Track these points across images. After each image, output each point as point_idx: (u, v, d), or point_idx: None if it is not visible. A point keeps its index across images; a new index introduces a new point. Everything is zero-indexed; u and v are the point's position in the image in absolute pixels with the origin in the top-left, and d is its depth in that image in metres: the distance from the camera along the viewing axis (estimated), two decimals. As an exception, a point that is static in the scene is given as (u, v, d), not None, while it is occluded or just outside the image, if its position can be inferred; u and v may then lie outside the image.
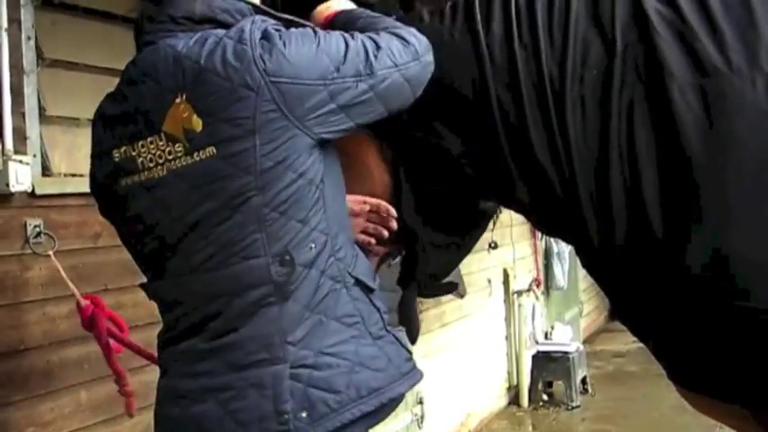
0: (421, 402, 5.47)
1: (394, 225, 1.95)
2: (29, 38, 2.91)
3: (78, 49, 3.14)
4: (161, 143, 1.65)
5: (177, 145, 1.63)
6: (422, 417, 5.48)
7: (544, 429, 6.69)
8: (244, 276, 1.62)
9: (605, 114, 1.74)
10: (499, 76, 1.83)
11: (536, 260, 7.99)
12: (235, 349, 1.63)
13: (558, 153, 1.78)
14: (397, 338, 1.78)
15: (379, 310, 1.76)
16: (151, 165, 1.67)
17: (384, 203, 1.95)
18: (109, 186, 1.75)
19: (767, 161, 1.63)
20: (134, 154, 1.68)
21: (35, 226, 2.87)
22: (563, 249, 8.00)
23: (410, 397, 5.36)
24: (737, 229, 1.64)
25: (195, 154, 1.61)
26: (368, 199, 1.94)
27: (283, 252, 1.61)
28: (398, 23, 1.83)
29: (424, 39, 1.79)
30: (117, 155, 1.72)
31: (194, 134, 1.61)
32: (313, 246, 1.64)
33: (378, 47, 1.70)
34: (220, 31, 1.66)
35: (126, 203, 1.73)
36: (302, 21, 1.80)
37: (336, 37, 1.70)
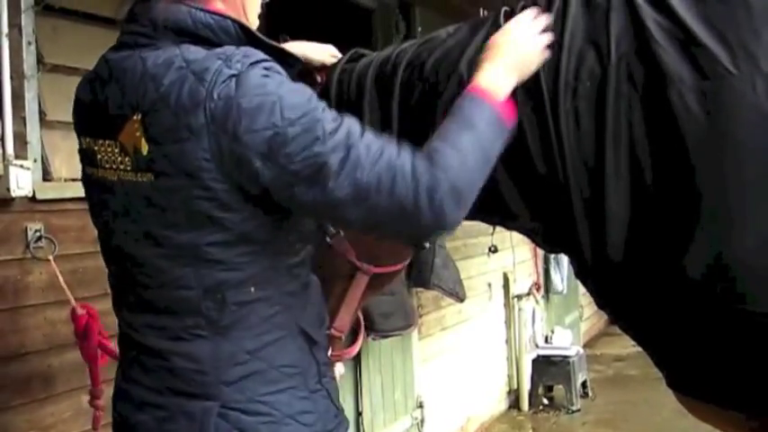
0: (421, 406, 5.47)
1: None
2: (29, 43, 2.92)
3: (79, 54, 3.14)
4: (116, 150, 1.65)
5: (127, 158, 1.63)
6: (422, 420, 5.47)
7: (544, 433, 6.69)
8: (176, 302, 1.65)
9: (600, 124, 1.74)
10: None
11: (536, 264, 7.99)
12: (173, 374, 1.66)
13: (555, 164, 1.78)
14: (329, 393, 1.77)
15: (318, 362, 1.74)
16: (106, 166, 1.68)
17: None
18: (81, 161, 1.79)
19: (767, 165, 1.63)
20: (95, 149, 1.70)
21: (36, 230, 2.87)
22: (561, 255, 7.97)
23: (410, 401, 5.36)
24: (738, 232, 1.64)
25: (139, 174, 1.62)
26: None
27: (215, 290, 1.62)
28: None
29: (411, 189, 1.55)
30: (83, 142, 1.75)
31: (140, 155, 1.60)
32: (253, 289, 1.63)
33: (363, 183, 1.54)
34: (192, 55, 1.59)
35: (88, 188, 1.78)
36: (294, 54, 1.75)
37: (326, 123, 1.56)
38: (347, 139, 1.55)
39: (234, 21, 1.67)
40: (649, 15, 1.73)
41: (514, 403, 7.25)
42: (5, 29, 2.79)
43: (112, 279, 1.81)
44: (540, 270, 8.06)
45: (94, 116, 1.70)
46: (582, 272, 1.92)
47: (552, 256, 8.01)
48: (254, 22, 1.78)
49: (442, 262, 4.85)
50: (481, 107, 1.65)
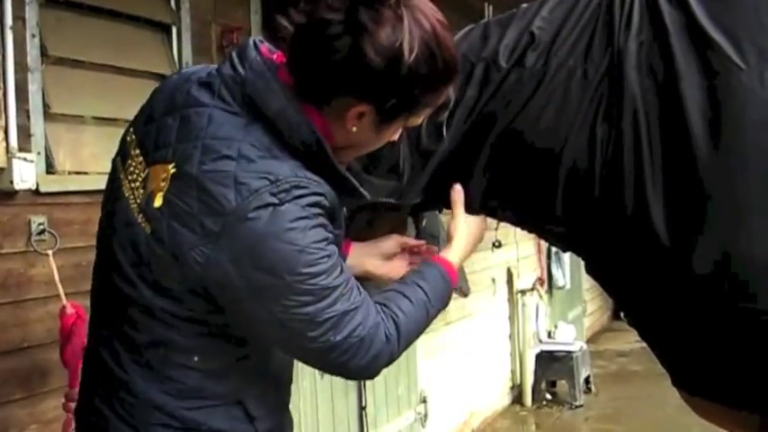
0: (424, 401, 5.47)
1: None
2: (33, 35, 2.91)
3: (83, 46, 3.14)
4: (142, 175, 1.59)
5: (142, 192, 1.57)
6: (425, 415, 5.47)
7: (547, 428, 6.69)
8: (128, 337, 1.62)
9: (618, 116, 1.73)
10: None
11: (539, 259, 7.99)
12: (114, 396, 1.63)
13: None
14: None
15: (257, 430, 1.67)
16: (129, 177, 1.62)
17: (412, 241, 1.97)
18: (119, 145, 1.71)
19: None
20: (132, 152, 1.63)
21: (39, 224, 2.87)
22: (561, 250, 7.96)
23: (413, 395, 5.36)
24: (745, 230, 1.64)
25: (140, 215, 1.56)
26: (400, 241, 1.95)
27: (159, 343, 1.59)
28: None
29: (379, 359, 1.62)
30: (129, 136, 1.67)
31: (151, 203, 1.54)
32: (197, 359, 1.59)
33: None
34: (247, 151, 1.48)
35: (112, 174, 1.70)
36: (362, 191, 1.63)
37: (332, 283, 1.52)
38: (338, 301, 1.53)
39: (318, 138, 1.53)
40: (665, 9, 1.73)
41: (517, 398, 7.26)
42: (9, 21, 2.79)
43: (94, 282, 1.77)
44: (544, 265, 8.06)
45: (149, 128, 1.62)
46: (593, 269, 1.92)
47: (554, 251, 8.00)
48: (345, 160, 1.66)
49: (445, 257, 4.83)
50: (441, 286, 1.77)
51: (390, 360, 1.65)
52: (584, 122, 1.77)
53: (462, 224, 1.89)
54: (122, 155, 1.68)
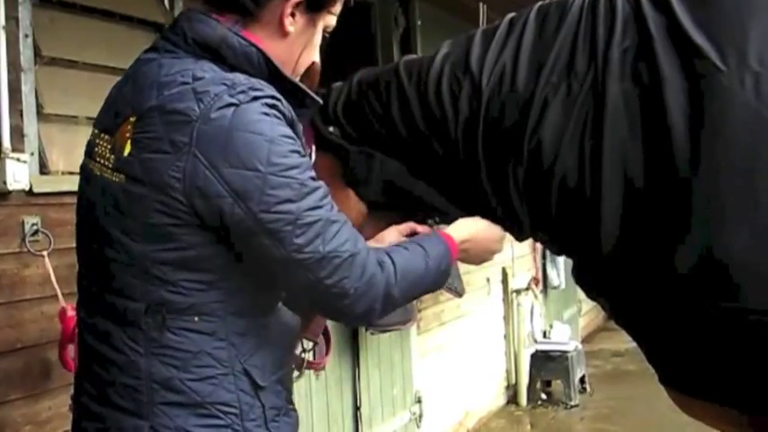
0: (419, 401, 5.47)
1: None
2: (26, 35, 2.91)
3: (76, 46, 3.13)
4: (108, 147, 1.65)
5: (113, 156, 1.63)
6: (420, 415, 5.47)
7: (542, 428, 6.69)
8: (121, 311, 1.62)
9: (597, 119, 1.76)
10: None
11: (534, 259, 7.99)
12: (113, 387, 1.63)
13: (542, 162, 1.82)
14: None
15: (263, 406, 1.67)
16: (96, 159, 1.69)
17: (414, 225, 2.02)
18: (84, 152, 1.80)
19: (756, 160, 1.63)
20: (96, 141, 1.71)
21: (32, 224, 2.86)
22: (559, 250, 7.98)
23: (408, 396, 5.35)
24: (728, 229, 1.65)
25: (114, 174, 1.62)
26: (401, 230, 1.99)
27: (157, 308, 1.59)
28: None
29: (369, 293, 1.65)
30: (92, 133, 1.75)
31: (121, 155, 1.60)
32: (197, 319, 1.60)
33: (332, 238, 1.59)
34: (201, 72, 1.59)
35: (81, 177, 1.77)
36: (312, 95, 1.74)
37: (306, 182, 1.58)
38: (321, 207, 1.59)
39: (259, 50, 1.66)
40: (649, 14, 1.76)
41: (513, 398, 7.26)
42: (2, 21, 2.78)
43: (78, 275, 1.79)
44: (539, 265, 8.07)
45: (107, 111, 1.72)
46: (579, 269, 1.93)
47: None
48: (302, 62, 1.77)
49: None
50: (440, 248, 1.83)
51: (388, 294, 1.67)
52: (572, 140, 1.79)
53: (470, 220, 1.97)
54: (88, 153, 1.75)
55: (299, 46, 1.75)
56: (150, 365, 1.60)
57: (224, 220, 1.55)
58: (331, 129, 2.07)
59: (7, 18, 2.80)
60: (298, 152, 1.59)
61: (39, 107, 2.95)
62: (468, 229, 1.96)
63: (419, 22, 5.53)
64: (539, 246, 7.94)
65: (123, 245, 1.60)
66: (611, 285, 1.86)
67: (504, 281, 7.20)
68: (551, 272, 8.16)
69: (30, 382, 2.85)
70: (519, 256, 7.39)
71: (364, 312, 1.67)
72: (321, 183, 1.62)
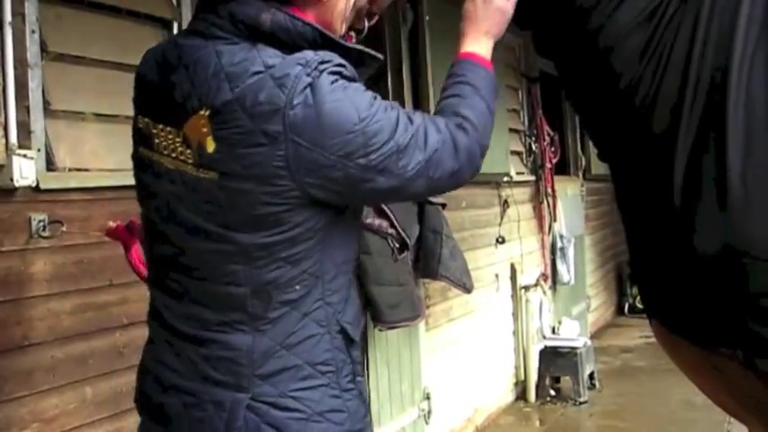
0: (428, 397, 5.46)
1: None
2: (33, 31, 2.89)
3: (83, 42, 3.12)
4: (178, 140, 1.65)
5: (189, 151, 1.63)
6: (429, 412, 5.46)
7: (551, 425, 6.67)
8: (223, 298, 1.65)
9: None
10: None
11: (543, 255, 7.97)
12: (207, 362, 1.67)
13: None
14: (360, 393, 1.77)
15: (353, 361, 1.74)
16: (164, 152, 1.68)
17: None
18: (134, 139, 1.80)
19: None
20: (153, 132, 1.70)
21: (39, 221, 2.85)
22: (566, 245, 7.97)
23: (417, 392, 5.35)
24: (752, 215, 1.68)
25: (200, 170, 1.62)
26: None
27: (263, 288, 1.63)
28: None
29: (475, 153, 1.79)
30: (140, 122, 1.74)
31: (204, 152, 1.61)
32: (298, 287, 1.64)
33: (428, 151, 1.69)
34: (270, 59, 1.60)
35: (139, 169, 1.78)
36: (371, 52, 1.77)
37: (391, 116, 1.66)
38: (408, 126, 1.67)
39: (309, 25, 1.68)
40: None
41: (521, 394, 7.24)
42: (9, 17, 2.77)
43: (153, 258, 1.82)
44: (548, 261, 8.04)
45: (157, 99, 1.70)
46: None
47: (559, 246, 7.99)
48: (337, 29, 1.78)
49: (449, 252, 4.82)
50: (481, 73, 1.89)
51: (481, 146, 1.81)
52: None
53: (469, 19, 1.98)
54: (143, 143, 1.74)
55: (341, 8, 1.77)
56: (253, 339, 1.64)
57: (337, 186, 1.61)
58: None
59: (14, 14, 2.79)
60: (374, 96, 1.66)
61: (45, 103, 2.94)
62: (477, 29, 1.96)
63: (427, 17, 5.51)
64: (547, 242, 7.94)
65: (223, 236, 1.63)
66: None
67: (513, 277, 7.17)
68: (561, 268, 8.13)
69: (37, 379, 2.84)
70: (528, 253, 7.37)
71: (474, 173, 1.82)
72: (395, 103, 1.71)
